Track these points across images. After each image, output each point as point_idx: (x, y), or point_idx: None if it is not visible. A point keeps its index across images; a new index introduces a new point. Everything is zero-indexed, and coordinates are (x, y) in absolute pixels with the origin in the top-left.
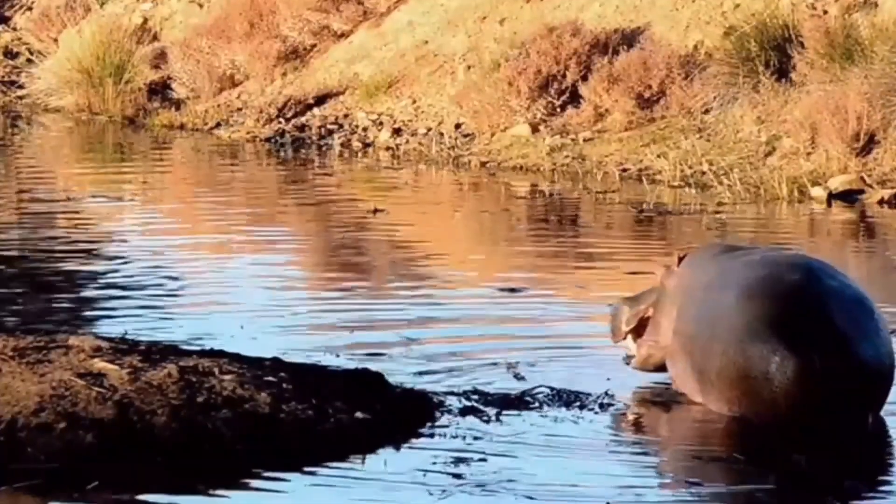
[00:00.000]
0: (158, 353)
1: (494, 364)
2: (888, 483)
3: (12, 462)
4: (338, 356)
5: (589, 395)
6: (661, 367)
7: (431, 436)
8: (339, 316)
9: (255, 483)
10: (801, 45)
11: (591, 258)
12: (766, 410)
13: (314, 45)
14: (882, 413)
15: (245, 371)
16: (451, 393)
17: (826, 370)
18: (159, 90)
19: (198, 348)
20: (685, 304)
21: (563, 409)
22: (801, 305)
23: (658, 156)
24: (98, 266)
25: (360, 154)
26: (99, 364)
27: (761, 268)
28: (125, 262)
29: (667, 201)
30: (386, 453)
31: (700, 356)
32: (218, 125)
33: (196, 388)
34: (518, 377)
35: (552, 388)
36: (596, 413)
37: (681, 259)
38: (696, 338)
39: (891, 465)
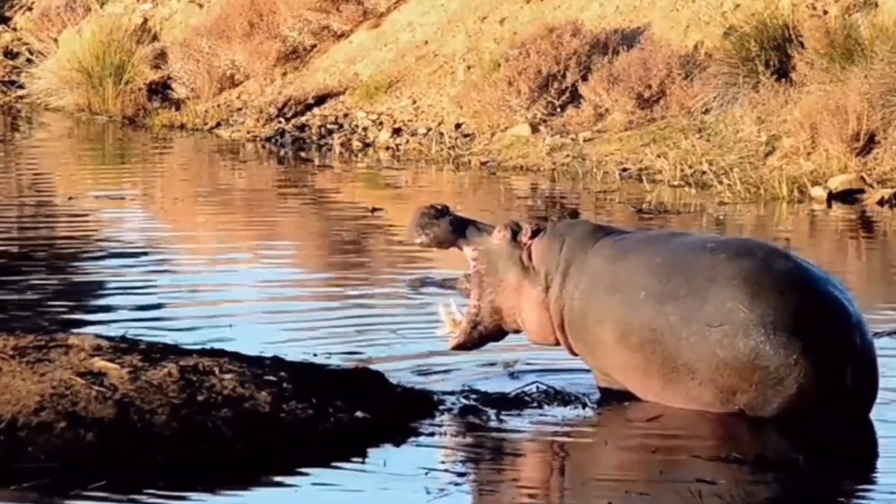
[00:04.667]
0: (158, 352)
1: (493, 364)
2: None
3: (12, 461)
4: (328, 356)
5: (588, 394)
6: (485, 341)
7: (431, 435)
8: (338, 315)
9: (255, 482)
10: (801, 45)
11: None
12: (784, 401)
13: (314, 45)
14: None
15: (245, 370)
16: (451, 392)
17: (849, 359)
18: (159, 90)
19: (198, 347)
20: (616, 292)
21: (563, 408)
22: (813, 297)
23: (658, 155)
24: (98, 265)
25: (360, 154)
26: (99, 363)
27: (740, 255)
28: (125, 261)
29: (667, 201)
30: (386, 452)
31: (674, 348)
32: (218, 125)
33: (196, 387)
34: (514, 376)
35: (552, 388)
36: (596, 412)
37: (535, 232)
38: (664, 330)
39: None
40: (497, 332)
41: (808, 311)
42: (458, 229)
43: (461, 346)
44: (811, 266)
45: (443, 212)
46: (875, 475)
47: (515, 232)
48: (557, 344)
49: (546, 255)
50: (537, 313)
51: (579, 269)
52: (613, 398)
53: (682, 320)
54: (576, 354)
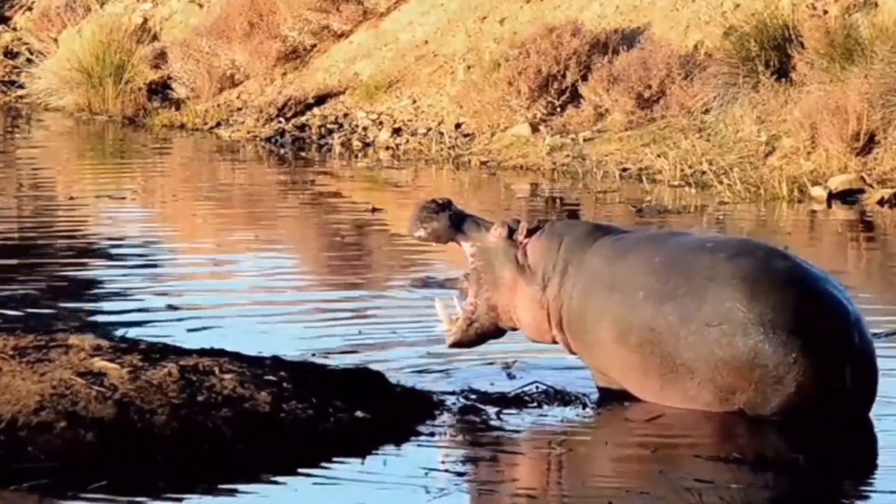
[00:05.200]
0: (158, 352)
1: (492, 363)
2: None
3: (12, 461)
4: (326, 355)
5: (588, 394)
6: (482, 338)
7: (431, 435)
8: (337, 314)
9: (255, 482)
10: (801, 45)
11: None
12: (784, 400)
13: (314, 45)
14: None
15: (245, 370)
16: (451, 392)
17: (848, 358)
18: (159, 90)
19: (198, 347)
20: (615, 292)
21: (563, 408)
22: (812, 296)
23: (658, 155)
24: (99, 264)
25: (360, 154)
26: (99, 363)
27: (738, 254)
28: (126, 261)
29: (667, 201)
30: (386, 452)
31: (673, 347)
32: (218, 125)
33: (196, 386)
34: (510, 376)
35: (552, 388)
36: (596, 412)
37: (531, 231)
38: (662, 330)
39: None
40: (494, 330)
41: (806, 310)
42: (457, 225)
43: (458, 344)
44: (810, 265)
45: (444, 206)
46: (875, 475)
47: (512, 230)
48: (554, 341)
49: (544, 255)
50: (532, 311)
51: (578, 268)
52: (613, 398)
53: (680, 320)
54: (575, 353)
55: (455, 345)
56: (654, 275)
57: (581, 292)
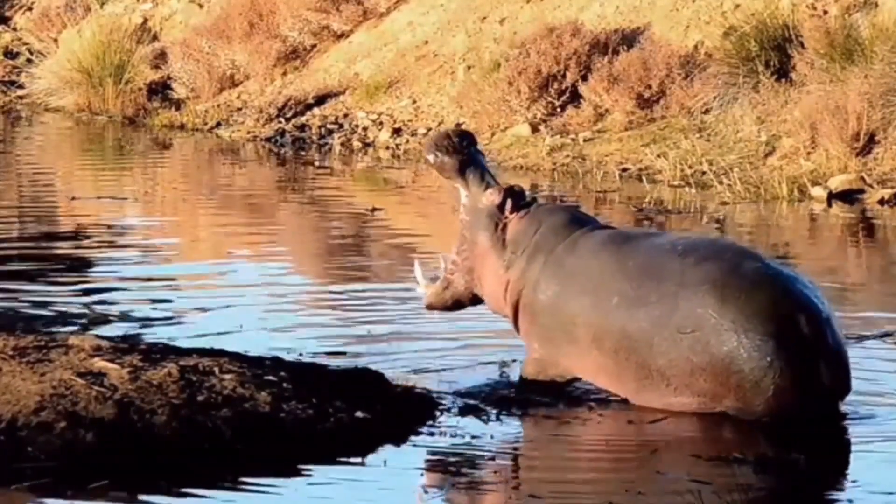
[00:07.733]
0: (158, 352)
1: (491, 363)
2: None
3: (12, 461)
4: (313, 355)
5: (589, 394)
6: (457, 304)
7: (431, 435)
8: (337, 314)
9: (255, 483)
10: (801, 45)
11: None
12: (763, 403)
13: (314, 45)
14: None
15: (245, 370)
16: (451, 392)
17: (822, 357)
18: (159, 90)
19: (198, 347)
20: (588, 295)
21: (563, 408)
22: (783, 297)
23: (658, 155)
24: (99, 265)
25: (360, 154)
26: (99, 363)
27: (708, 258)
28: (126, 261)
29: (667, 201)
30: (386, 453)
31: (648, 354)
32: (218, 125)
33: (196, 387)
34: (506, 376)
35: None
36: (596, 412)
37: (518, 208)
38: (637, 337)
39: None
40: (470, 297)
41: (778, 312)
42: (463, 170)
43: (432, 306)
44: (780, 266)
45: (466, 145)
46: (874, 475)
47: (506, 200)
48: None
49: (520, 235)
50: (494, 284)
51: (546, 258)
52: (540, 389)
53: (653, 327)
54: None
55: (429, 307)
56: (628, 280)
57: (554, 293)
